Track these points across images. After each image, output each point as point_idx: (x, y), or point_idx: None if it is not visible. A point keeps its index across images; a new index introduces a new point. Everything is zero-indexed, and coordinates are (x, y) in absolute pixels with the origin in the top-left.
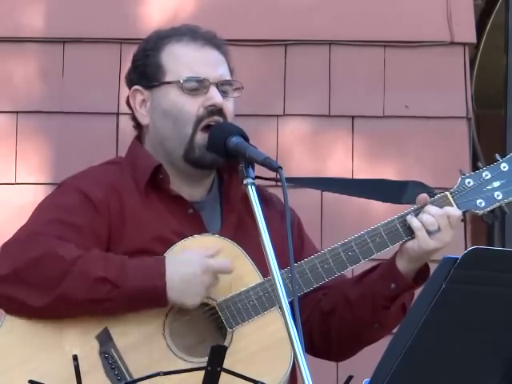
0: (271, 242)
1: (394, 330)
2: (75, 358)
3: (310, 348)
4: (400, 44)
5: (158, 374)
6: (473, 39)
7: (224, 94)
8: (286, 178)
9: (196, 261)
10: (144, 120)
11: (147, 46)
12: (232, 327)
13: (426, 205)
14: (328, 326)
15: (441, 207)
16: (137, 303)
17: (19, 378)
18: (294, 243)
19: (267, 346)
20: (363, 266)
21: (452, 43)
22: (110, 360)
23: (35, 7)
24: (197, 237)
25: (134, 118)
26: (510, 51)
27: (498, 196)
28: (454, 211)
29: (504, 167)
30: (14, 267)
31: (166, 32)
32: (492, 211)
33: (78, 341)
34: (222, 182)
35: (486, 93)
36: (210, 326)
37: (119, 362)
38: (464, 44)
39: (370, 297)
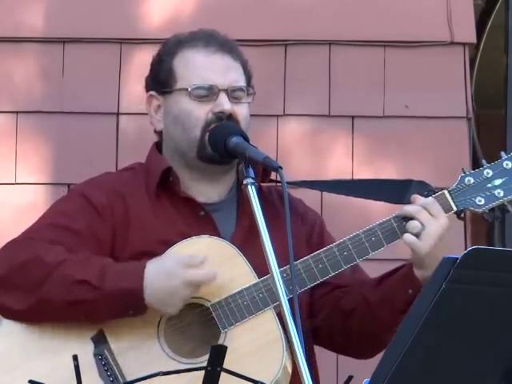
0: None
1: None
2: (75, 357)
3: (331, 345)
4: (400, 44)
5: (158, 374)
6: (473, 39)
7: (236, 99)
8: (289, 182)
9: (178, 274)
10: (159, 125)
11: (163, 50)
12: (225, 328)
13: None
14: (349, 327)
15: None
16: (116, 306)
17: (18, 379)
18: (312, 245)
19: (259, 346)
20: (384, 267)
21: (452, 43)
22: (104, 361)
23: (35, 7)
24: (194, 238)
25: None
26: (510, 51)
27: (499, 194)
28: (426, 199)
29: (507, 165)
30: (4, 271)
31: (182, 37)
32: (493, 209)
33: (73, 342)
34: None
35: (486, 93)
36: (203, 327)
37: (112, 364)
38: (464, 44)
39: (389, 300)
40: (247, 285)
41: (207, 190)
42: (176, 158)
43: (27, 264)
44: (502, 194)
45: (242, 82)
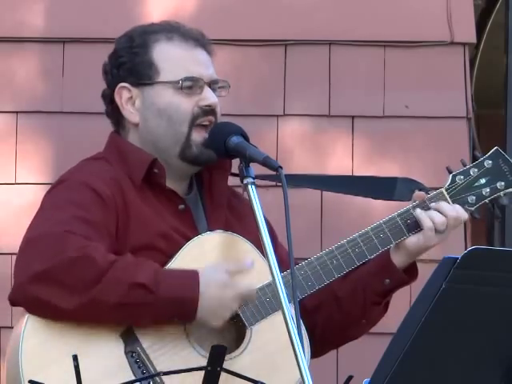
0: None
1: (389, 330)
2: (75, 357)
3: None
4: (400, 44)
5: (158, 374)
6: (473, 39)
7: (214, 92)
8: (287, 174)
9: (231, 286)
10: (133, 118)
11: (133, 42)
12: (251, 324)
13: (424, 201)
14: (312, 323)
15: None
16: (167, 312)
17: (51, 378)
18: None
19: (284, 344)
20: None
21: (452, 43)
22: (137, 359)
23: (35, 7)
24: (209, 234)
25: (111, 115)
26: (510, 51)
27: (486, 193)
28: (464, 214)
29: (488, 164)
30: (50, 265)
31: (150, 28)
32: (492, 206)
33: (103, 341)
34: (200, 179)
35: (485, 93)
36: (229, 323)
37: (146, 361)
38: (464, 44)
39: (362, 292)
40: (268, 281)
41: (177, 185)
42: (153, 151)
43: (77, 262)
44: (488, 193)
45: (216, 76)
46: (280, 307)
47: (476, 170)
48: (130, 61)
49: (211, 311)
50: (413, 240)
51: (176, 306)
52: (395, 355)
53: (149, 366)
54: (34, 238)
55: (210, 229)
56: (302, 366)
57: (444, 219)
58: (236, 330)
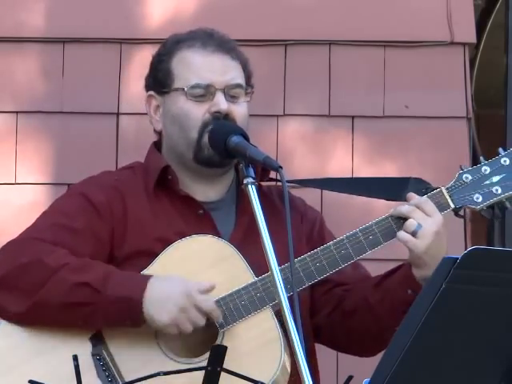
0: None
1: None
2: (75, 357)
3: (333, 344)
4: (400, 44)
5: (158, 374)
6: (473, 39)
7: (233, 98)
8: (289, 180)
9: (180, 284)
10: (157, 126)
11: (162, 50)
12: (223, 327)
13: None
14: (349, 327)
15: (434, 203)
16: (114, 313)
17: (17, 380)
18: (313, 243)
19: (257, 345)
20: (384, 267)
21: (452, 43)
22: (102, 362)
23: (36, 7)
24: (192, 237)
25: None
26: (510, 51)
27: (496, 191)
28: (419, 198)
29: (505, 161)
30: (5, 271)
31: (180, 37)
32: (492, 207)
33: (72, 342)
34: (239, 182)
35: (485, 93)
36: (201, 327)
37: (110, 364)
38: (464, 44)
39: (389, 301)
40: (245, 284)
41: (205, 190)
42: (174, 157)
43: (28, 266)
44: (499, 190)
45: (239, 81)
46: (280, 303)
47: (488, 168)
48: (155, 69)
49: (156, 305)
50: (409, 253)
51: (121, 306)
52: (395, 355)
53: (112, 368)
54: (6, 244)
55: (234, 233)
56: (303, 365)
57: (411, 220)
58: (209, 333)
